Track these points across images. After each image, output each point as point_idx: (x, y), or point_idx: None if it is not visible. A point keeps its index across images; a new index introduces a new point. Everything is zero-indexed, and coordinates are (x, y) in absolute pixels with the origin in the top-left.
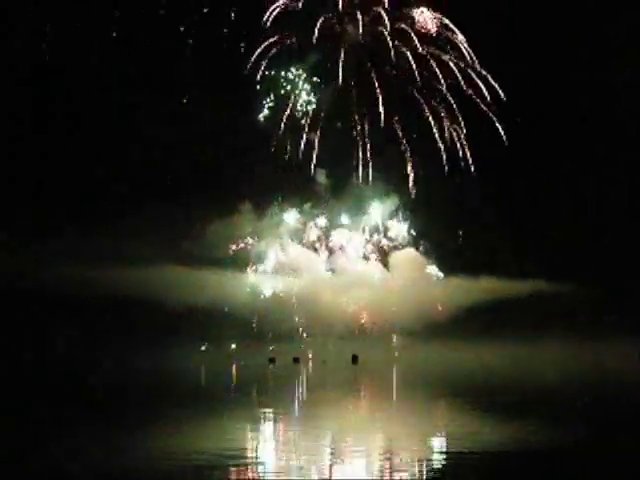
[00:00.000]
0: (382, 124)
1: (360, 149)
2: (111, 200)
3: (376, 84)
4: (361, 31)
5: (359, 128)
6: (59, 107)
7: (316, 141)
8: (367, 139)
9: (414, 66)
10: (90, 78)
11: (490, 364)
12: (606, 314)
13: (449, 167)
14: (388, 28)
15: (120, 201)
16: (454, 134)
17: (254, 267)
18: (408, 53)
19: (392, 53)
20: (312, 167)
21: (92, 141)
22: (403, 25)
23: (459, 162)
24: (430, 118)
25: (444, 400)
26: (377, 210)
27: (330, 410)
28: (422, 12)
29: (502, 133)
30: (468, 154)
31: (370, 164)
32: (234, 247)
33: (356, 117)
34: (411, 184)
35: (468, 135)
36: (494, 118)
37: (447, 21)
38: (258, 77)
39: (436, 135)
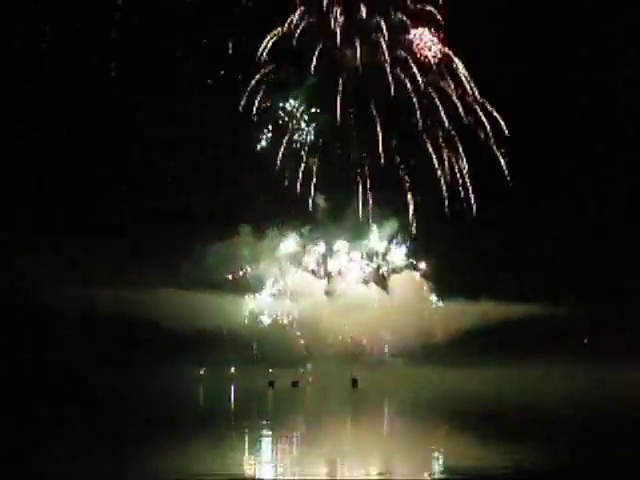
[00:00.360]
0: (382, 159)
1: (359, 178)
2: (111, 212)
3: (374, 112)
4: (359, 62)
5: (358, 157)
6: (59, 107)
7: (315, 167)
8: (366, 168)
9: (414, 100)
10: (90, 78)
11: (489, 386)
12: (603, 335)
13: (449, 195)
14: (387, 58)
15: (119, 214)
16: (455, 166)
17: (253, 291)
18: (407, 82)
19: (391, 84)
20: (311, 191)
21: (92, 141)
22: (402, 52)
23: (459, 191)
24: (430, 149)
25: (443, 423)
26: (376, 234)
27: (328, 433)
28: (422, 35)
29: (504, 168)
30: (468, 183)
31: (369, 189)
32: (233, 272)
33: (355, 145)
34: (411, 211)
35: (469, 170)
36: (498, 153)
37: (447, 50)
38: (254, 110)
39: (435, 164)
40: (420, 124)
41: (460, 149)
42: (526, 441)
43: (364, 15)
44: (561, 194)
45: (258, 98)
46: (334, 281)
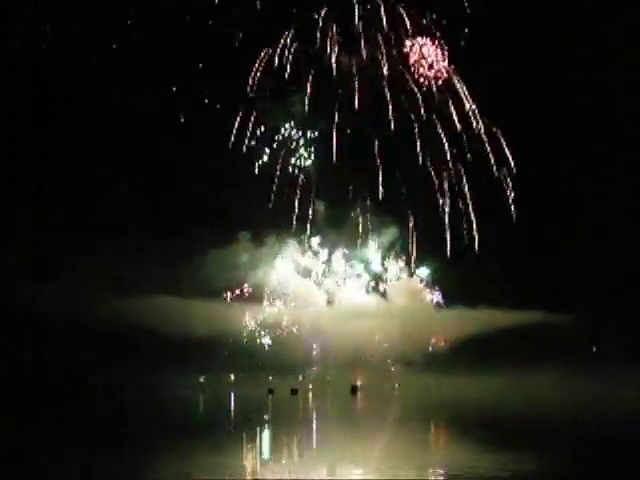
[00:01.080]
0: (381, 194)
1: (360, 212)
2: (111, 214)
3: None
4: (357, 98)
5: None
6: (59, 107)
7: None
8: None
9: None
10: (90, 78)
11: (488, 394)
12: (605, 344)
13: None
14: (388, 94)
15: (119, 216)
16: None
17: (253, 298)
18: (407, 105)
19: (392, 121)
20: (311, 198)
21: (92, 141)
22: (404, 77)
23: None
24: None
25: (443, 430)
26: (376, 241)
27: (328, 440)
28: (423, 51)
29: (510, 199)
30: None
31: (369, 197)
32: (232, 281)
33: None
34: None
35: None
36: (506, 186)
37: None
38: (244, 148)
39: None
40: (420, 158)
41: (464, 180)
42: (522, 450)
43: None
44: (561, 196)
45: (248, 134)
46: (334, 289)
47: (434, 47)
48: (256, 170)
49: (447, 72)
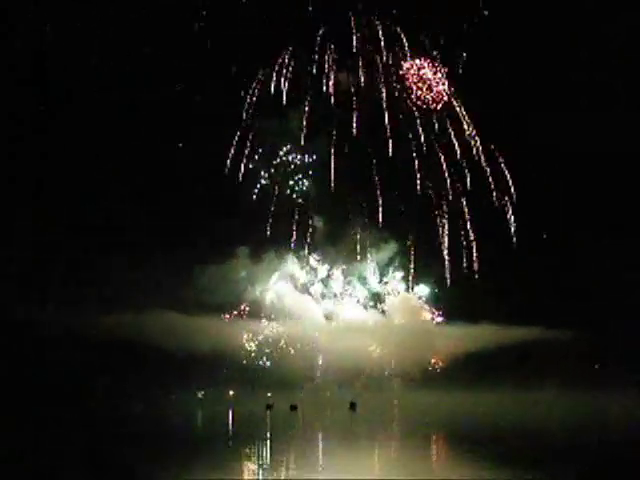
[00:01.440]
0: (380, 213)
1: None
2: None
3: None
4: (355, 120)
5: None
6: (59, 107)
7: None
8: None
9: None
10: (90, 78)
11: (487, 410)
12: (605, 361)
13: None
14: (386, 116)
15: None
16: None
17: (252, 314)
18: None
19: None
20: (310, 215)
21: (92, 141)
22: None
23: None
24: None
25: (443, 446)
26: (375, 256)
27: (328, 457)
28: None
29: (512, 230)
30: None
31: (367, 212)
32: (231, 296)
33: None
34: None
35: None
36: (509, 215)
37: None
38: (240, 176)
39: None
40: (419, 182)
41: (464, 203)
42: (523, 466)
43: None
44: (560, 206)
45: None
46: (333, 304)
47: (433, 69)
48: (255, 191)
49: (447, 95)
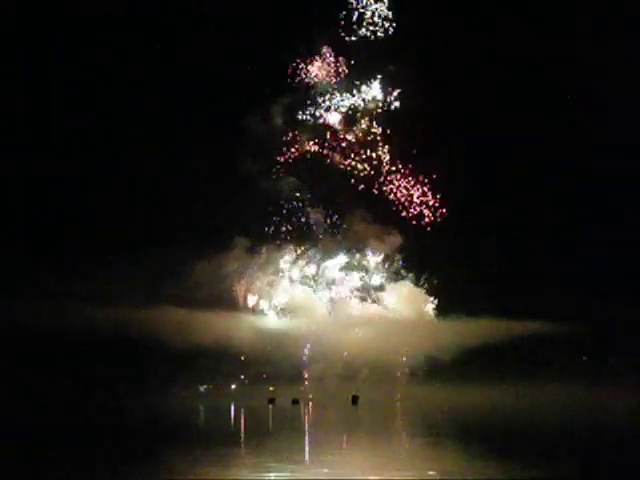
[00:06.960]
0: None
1: None
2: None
3: None
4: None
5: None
6: (59, 107)
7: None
8: None
9: None
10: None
11: (491, 405)
12: (608, 355)
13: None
14: None
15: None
16: None
17: (253, 308)
18: None
19: None
20: (308, 207)
21: (92, 142)
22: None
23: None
24: None
25: (444, 441)
26: (374, 249)
27: (329, 452)
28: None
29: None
30: None
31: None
32: (231, 290)
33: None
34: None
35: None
36: None
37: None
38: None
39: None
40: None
41: None
42: (523, 459)
43: None
44: (560, 204)
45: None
46: (334, 297)
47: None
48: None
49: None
